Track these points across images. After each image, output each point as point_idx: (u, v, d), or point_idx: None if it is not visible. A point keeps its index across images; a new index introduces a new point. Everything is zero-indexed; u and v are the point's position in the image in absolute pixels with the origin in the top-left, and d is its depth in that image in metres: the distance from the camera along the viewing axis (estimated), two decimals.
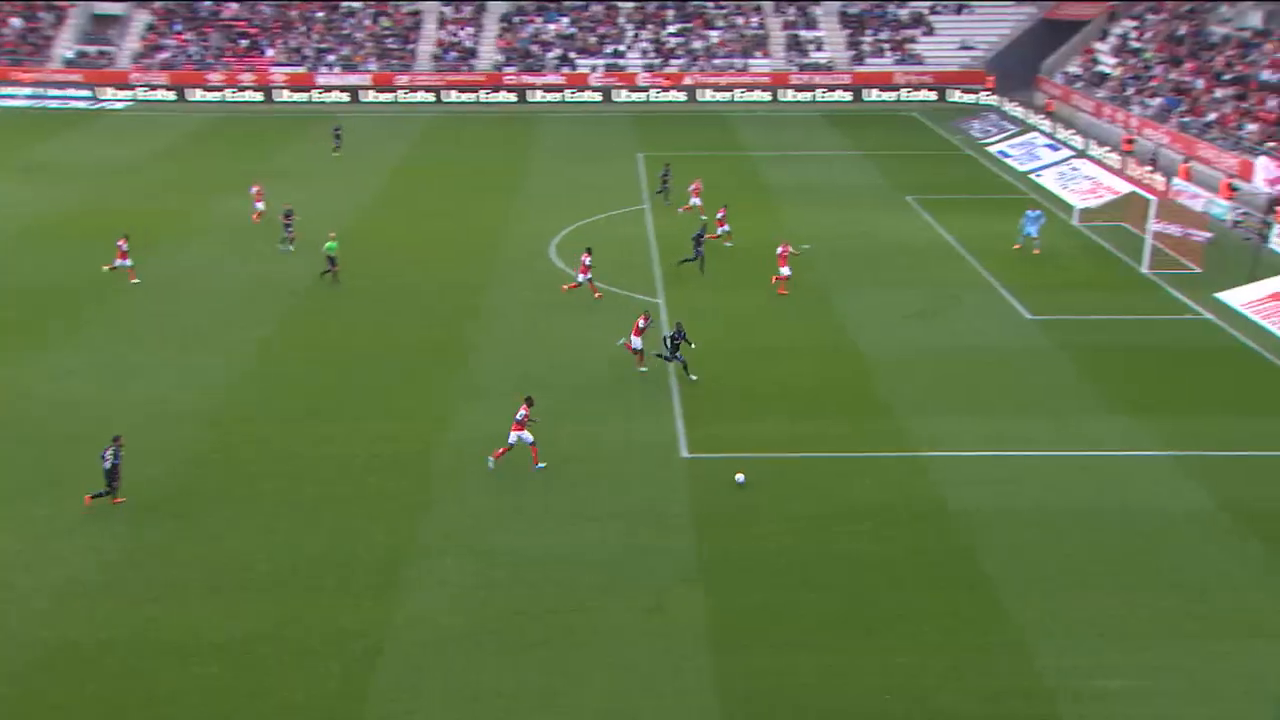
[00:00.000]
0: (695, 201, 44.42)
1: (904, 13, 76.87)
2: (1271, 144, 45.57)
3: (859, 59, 73.95)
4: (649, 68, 73.35)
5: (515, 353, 31.16)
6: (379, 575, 20.79)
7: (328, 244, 36.57)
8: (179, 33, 75.68)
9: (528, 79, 72.52)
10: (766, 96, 71.72)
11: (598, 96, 71.78)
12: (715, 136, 61.95)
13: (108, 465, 22.61)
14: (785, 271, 35.62)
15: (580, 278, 34.85)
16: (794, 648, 18.93)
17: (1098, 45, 68.56)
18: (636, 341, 29.34)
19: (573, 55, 74.11)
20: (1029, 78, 70.81)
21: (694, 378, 28.59)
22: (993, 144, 59.30)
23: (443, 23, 77.19)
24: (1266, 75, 51.26)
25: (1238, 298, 35.33)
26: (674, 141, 60.32)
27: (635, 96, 71.71)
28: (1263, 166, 44.67)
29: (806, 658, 18.67)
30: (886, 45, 74.59)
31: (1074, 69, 68.04)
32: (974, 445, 25.74)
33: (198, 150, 57.91)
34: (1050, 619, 19.54)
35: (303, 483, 24.06)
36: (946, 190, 49.43)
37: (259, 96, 71.37)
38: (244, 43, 74.83)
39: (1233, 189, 44.97)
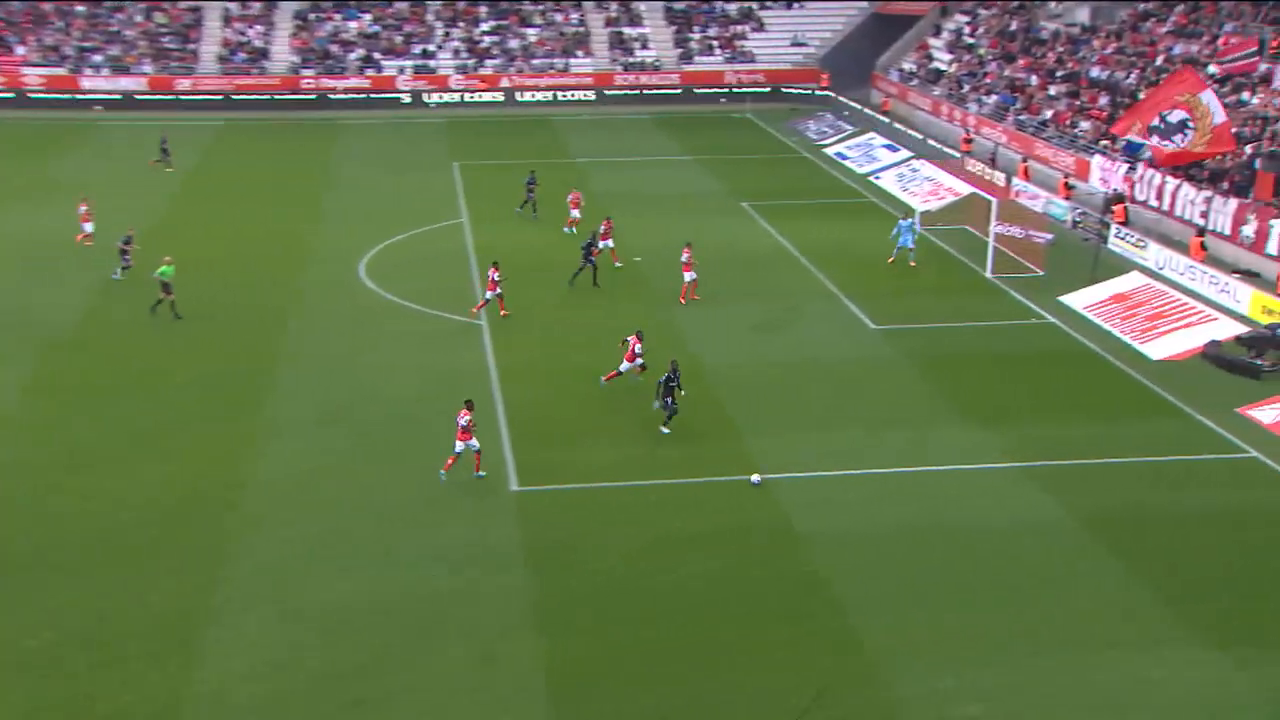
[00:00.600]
0: (575, 214, 44.27)
1: (733, 8, 78.69)
2: (1105, 142, 48.40)
3: (687, 57, 75.35)
4: (462, 69, 73.10)
5: (322, 383, 30.51)
6: (164, 643, 19.86)
7: (162, 269, 34.89)
8: None
9: (328, 82, 71.31)
10: (591, 98, 72.30)
11: (407, 100, 71.10)
12: (538, 143, 62.14)
13: None
14: (689, 277, 36.71)
15: (488, 294, 34.65)
16: (637, 688, 18.98)
17: (932, 41, 71.65)
18: (626, 365, 29.35)
19: (377, 56, 73.25)
20: (864, 75, 73.38)
21: (665, 430, 27.67)
22: (830, 145, 61.19)
23: (228, 20, 75.22)
24: (1096, 72, 54.48)
25: (1079, 300, 37.34)
26: (493, 149, 60.28)
27: (449, 99, 71.33)
28: (1098, 165, 47.44)
29: (650, 698, 18.75)
30: (715, 43, 76.24)
31: (909, 65, 70.90)
32: (820, 464, 26.40)
33: None
34: (907, 643, 20.13)
35: (68, 544, 22.84)
36: (784, 195, 50.73)
37: (8, 99, 67.98)
38: None
39: (1070, 188, 47.62)
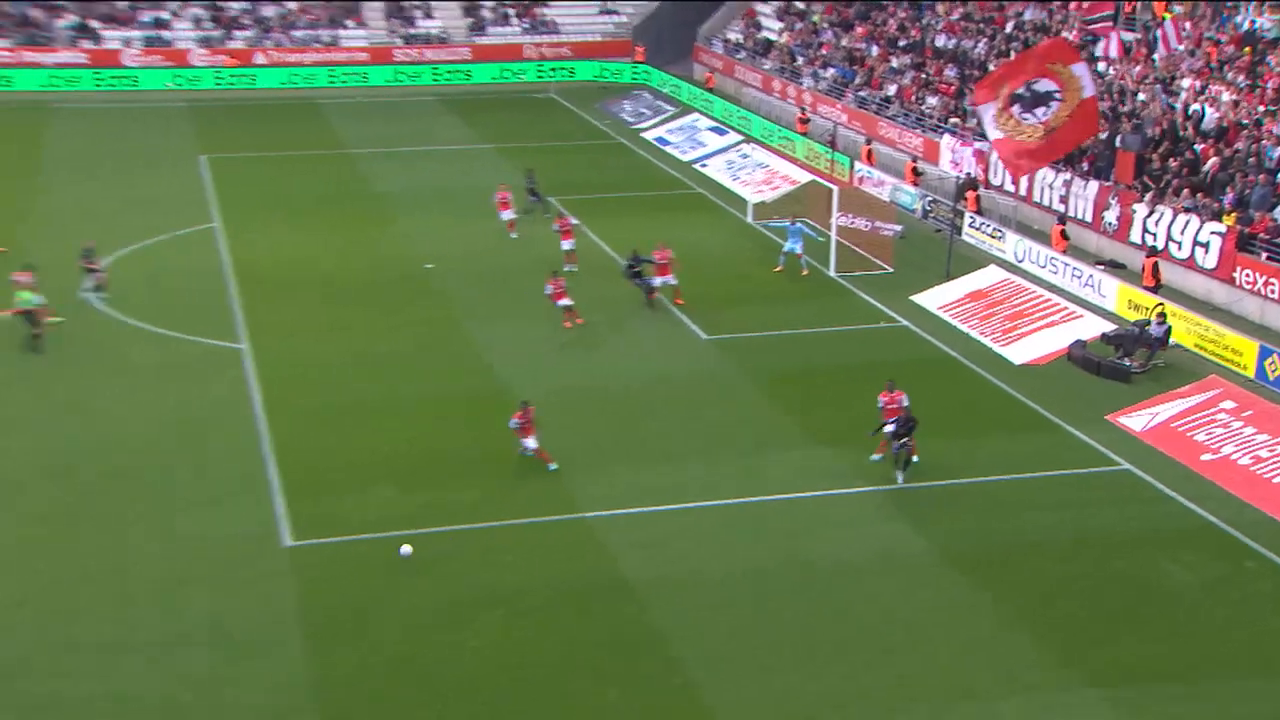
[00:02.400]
0: (506, 215, 43.91)
1: None
2: (954, 120, 50.31)
3: (478, 28, 75.37)
4: (205, 42, 71.49)
5: (42, 430, 29.40)
6: None
7: (22, 295, 33.61)
8: None
9: (30, 56, 68.76)
10: (364, 77, 71.66)
11: (136, 81, 69.12)
12: (302, 131, 61.27)
13: None
14: (671, 281, 37.37)
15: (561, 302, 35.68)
16: None
17: (759, 7, 73.36)
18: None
19: (95, 25, 70.99)
20: (685, 48, 74.61)
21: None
22: (648, 129, 62.01)
23: None
24: (941, 41, 56.62)
25: (933, 299, 38.72)
26: (248, 139, 59.17)
27: (190, 79, 69.73)
28: (948, 146, 49.18)
29: None
30: (512, 11, 76.46)
31: (734, 36, 72.41)
32: (649, 499, 26.65)
33: None
34: (750, 699, 20.43)
35: None
36: (596, 189, 51.15)
37: None
38: None
39: (918, 173, 49.27)
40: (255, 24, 73.16)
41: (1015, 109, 39.95)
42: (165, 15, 72.69)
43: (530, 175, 47.33)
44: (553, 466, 27.59)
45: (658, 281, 37.43)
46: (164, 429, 29.57)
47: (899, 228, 42.92)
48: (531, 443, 27.50)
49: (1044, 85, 40.48)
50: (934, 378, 33.45)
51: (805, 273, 40.87)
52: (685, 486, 27.29)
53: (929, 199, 47.00)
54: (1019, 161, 39.19)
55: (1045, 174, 43.87)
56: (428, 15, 75.73)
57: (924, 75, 55.36)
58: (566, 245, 40.67)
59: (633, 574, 23.98)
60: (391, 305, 37.74)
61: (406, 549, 24.03)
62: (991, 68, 51.28)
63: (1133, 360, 33.39)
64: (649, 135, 61.08)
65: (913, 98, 54.30)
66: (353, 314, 37.01)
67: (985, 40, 54.31)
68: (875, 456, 28.07)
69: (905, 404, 28.01)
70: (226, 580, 23.60)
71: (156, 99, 67.56)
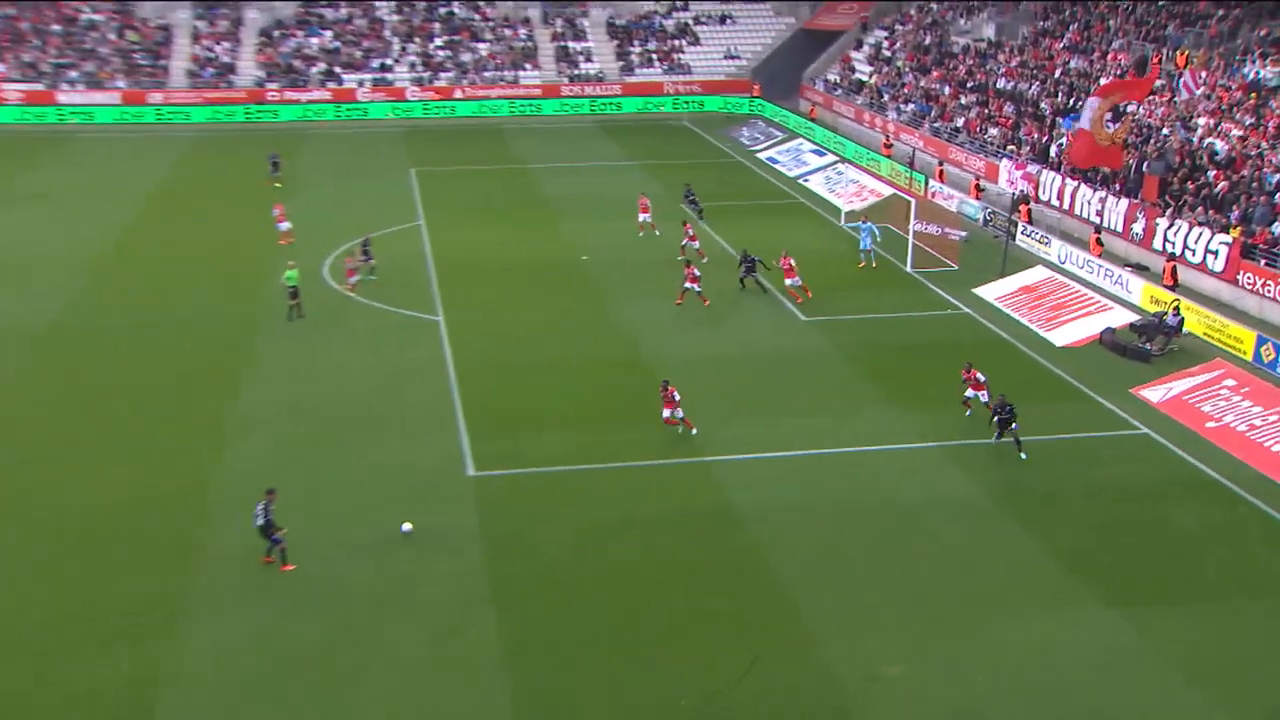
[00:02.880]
0: (643, 217, 43.92)
1: (670, 23, 78.69)
2: (1011, 147, 49.05)
3: (628, 69, 75.24)
4: (418, 81, 72.49)
5: (288, 382, 30.15)
6: (143, 625, 19.64)
7: (287, 274, 34.57)
8: None
9: (291, 95, 70.44)
10: (538, 108, 72.06)
11: (366, 112, 70.43)
12: (489, 150, 61.80)
13: (259, 522, 21.03)
14: (791, 282, 36.53)
15: (687, 285, 35.50)
16: (586, 660, 19.00)
17: (854, 54, 72.06)
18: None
19: (338, 70, 72.46)
20: (793, 86, 73.71)
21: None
22: (761, 150, 61.36)
23: (196, 37, 74.05)
24: (1002, 83, 55.12)
25: (991, 292, 37.79)
26: (448, 156, 59.85)
27: (405, 110, 70.78)
28: (1005, 169, 48.03)
29: (599, 669, 18.77)
30: (654, 55, 76.18)
31: (833, 77, 71.26)
32: (755, 447, 26.52)
33: None
34: (836, 611, 20.30)
35: (39, 533, 22.43)
36: (719, 198, 50.77)
37: None
38: None
39: (980, 189, 48.17)
40: (455, 67, 73.97)
41: (1108, 116, 39.15)
42: (389, 61, 73.83)
43: (688, 188, 47.43)
44: (694, 431, 26.86)
45: (787, 282, 36.51)
46: (375, 382, 30.16)
47: (964, 233, 41.92)
48: (670, 413, 26.66)
49: (1120, 109, 40.30)
50: (991, 355, 32.63)
51: (874, 265, 40.31)
52: (786, 438, 27.06)
53: (989, 210, 45.87)
54: (1085, 151, 39.26)
55: (1085, 191, 42.60)
56: (588, 59, 75.79)
57: (987, 111, 53.91)
58: (693, 245, 40.45)
59: (742, 507, 23.87)
60: (555, 287, 37.98)
61: (407, 527, 22.50)
62: (1044, 106, 49.78)
63: (1153, 345, 32.42)
64: (762, 155, 60.44)
65: (977, 129, 52.92)
66: (525, 293, 37.31)
67: (1038, 83, 52.67)
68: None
69: (982, 379, 27.53)
70: (423, 500, 24.02)
71: (381, 126, 68.80)
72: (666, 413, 26.84)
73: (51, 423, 27.55)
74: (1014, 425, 25.94)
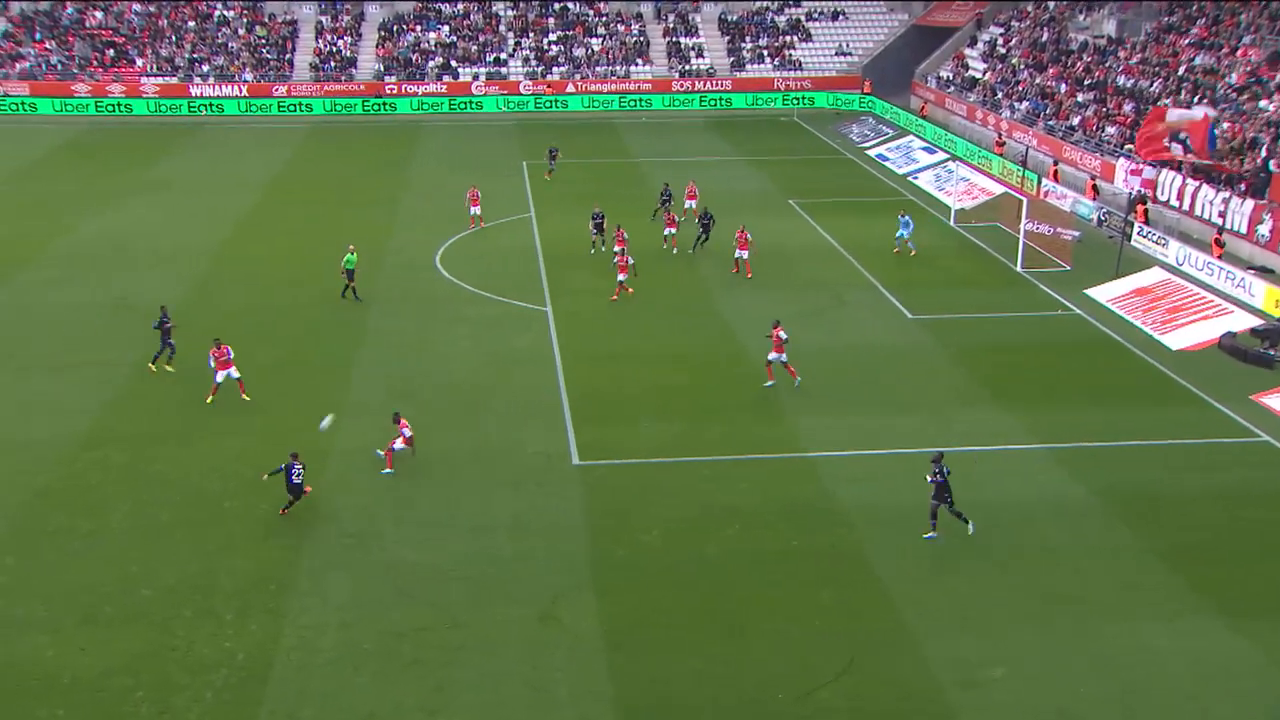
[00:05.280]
0: (690, 204, 44.39)
1: (782, 19, 78.07)
2: (1129, 146, 47.43)
3: (739, 65, 74.85)
4: (531, 75, 73.14)
5: (401, 367, 30.67)
6: (250, 599, 20.15)
7: (347, 258, 35.42)
8: (39, 41, 72.91)
9: (409, 88, 71.68)
10: (650, 102, 72.12)
11: (480, 105, 71.33)
12: (601, 143, 62.06)
13: (295, 480, 22.47)
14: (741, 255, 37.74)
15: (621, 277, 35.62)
16: (684, 648, 18.94)
17: (967, 51, 70.59)
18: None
19: (454, 64, 73.51)
20: (904, 82, 72.56)
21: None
22: (871, 147, 60.53)
23: (320, 32, 75.87)
24: (1121, 81, 53.37)
25: (1104, 293, 36.65)
26: (561, 149, 60.21)
27: (518, 103, 71.49)
28: (1122, 168, 46.49)
29: (696, 659, 18.70)
30: (765, 51, 75.66)
31: (946, 73, 69.91)
32: (858, 443, 26.15)
33: (75, 161, 55.94)
34: (937, 611, 19.92)
35: (157, 509, 23.14)
36: (828, 194, 50.29)
37: (129, 107, 69.20)
38: (110, 52, 72.44)
39: (1096, 189, 46.74)
40: (568, 61, 74.46)
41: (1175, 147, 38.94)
42: (503, 56, 74.63)
43: (705, 211, 45.57)
44: (797, 381, 28.19)
45: (737, 254, 37.93)
46: (483, 369, 30.46)
47: (1078, 233, 40.74)
48: (775, 356, 27.66)
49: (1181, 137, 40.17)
50: (1100, 357, 31.85)
51: (913, 253, 40.35)
52: (890, 434, 26.65)
53: (1104, 210, 44.52)
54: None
55: (1207, 191, 41.05)
56: (699, 54, 75.61)
57: (1105, 109, 52.28)
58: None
59: (845, 503, 23.56)
60: (660, 279, 37.93)
61: (326, 421, 24.55)
62: (1167, 102, 48.05)
63: (1276, 350, 31.01)
64: (872, 152, 59.63)
65: (1094, 127, 51.37)
66: (628, 283, 37.33)
67: (1160, 81, 50.85)
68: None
69: (784, 337, 28.50)
70: (528, 485, 24.22)
71: (493, 117, 69.60)
72: (772, 356, 27.65)
73: (177, 403, 28.42)
74: (949, 500, 22.06)
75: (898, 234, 40.76)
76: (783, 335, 28.74)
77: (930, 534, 22.08)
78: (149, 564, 21.22)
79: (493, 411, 27.71)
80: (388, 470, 24.45)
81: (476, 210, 43.92)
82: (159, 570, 21.01)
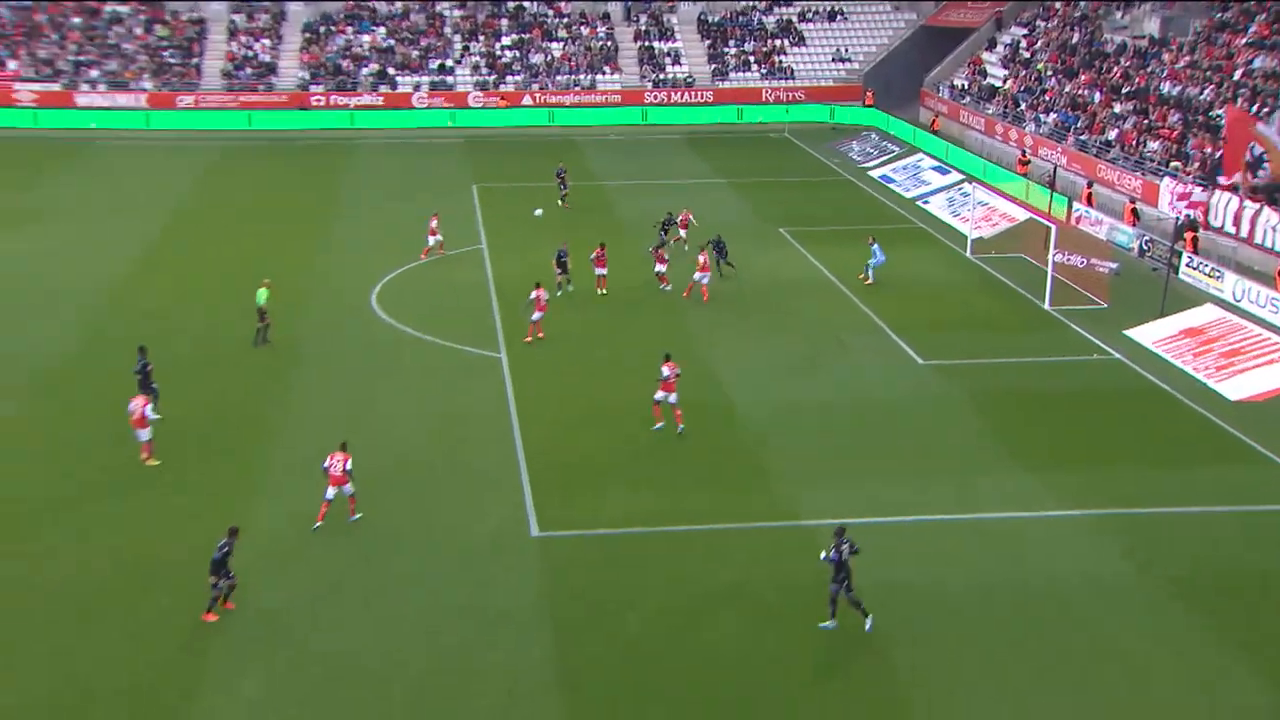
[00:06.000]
0: (682, 233, 45.59)
1: (770, 20, 78.91)
2: (1176, 164, 47.99)
3: (722, 73, 75.57)
4: (481, 85, 73.55)
5: (331, 424, 30.37)
6: (149, 708, 19.74)
7: (259, 292, 35.38)
8: None
9: (339, 99, 71.87)
10: (618, 116, 72.59)
11: (422, 119, 71.58)
12: (563, 164, 62.22)
13: (216, 557, 21.81)
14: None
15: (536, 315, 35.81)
16: None
17: (985, 55, 71.55)
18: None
19: (391, 72, 73.82)
20: (912, 92, 73.39)
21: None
22: (874, 168, 61.13)
23: (233, 33, 76.08)
24: (1167, 88, 54.07)
25: (1148, 335, 36.94)
26: (513, 171, 60.48)
27: (466, 118, 71.82)
28: (1168, 189, 46.96)
29: None
30: (752, 57, 76.45)
31: (960, 82, 70.80)
32: (866, 511, 26.04)
33: None
34: (964, 710, 19.76)
35: (32, 612, 22.51)
36: (825, 221, 50.64)
37: None
38: None
39: (1136, 214, 47.18)
40: (525, 69, 74.94)
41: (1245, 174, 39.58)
42: (449, 62, 75.04)
43: (718, 238, 45.37)
44: (681, 428, 28.95)
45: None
46: (428, 430, 30.26)
47: (1115, 265, 41.16)
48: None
49: (1256, 150, 40.67)
50: (1145, 409, 32.02)
51: (870, 282, 41.46)
52: (899, 502, 26.62)
53: (1146, 238, 44.99)
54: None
55: (1268, 215, 41.56)
56: (676, 61, 76.31)
57: (1146, 121, 52.99)
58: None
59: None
60: (632, 320, 37.88)
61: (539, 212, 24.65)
62: (1219, 113, 48.71)
63: None
64: (875, 173, 60.22)
65: (1134, 142, 52.05)
66: (593, 325, 37.32)
67: (1213, 87, 51.58)
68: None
69: (669, 375, 29.16)
70: (478, 562, 23.97)
71: (437, 134, 69.85)
72: (659, 395, 28.31)
73: (55, 473, 28.02)
74: (847, 583, 21.76)
75: (869, 262, 41.62)
76: (673, 372, 29.35)
77: (826, 623, 21.89)
78: (33, 675, 20.77)
79: (435, 481, 27.49)
80: (318, 524, 24.62)
81: (437, 239, 44.11)
82: (29, 676, 20.56)
